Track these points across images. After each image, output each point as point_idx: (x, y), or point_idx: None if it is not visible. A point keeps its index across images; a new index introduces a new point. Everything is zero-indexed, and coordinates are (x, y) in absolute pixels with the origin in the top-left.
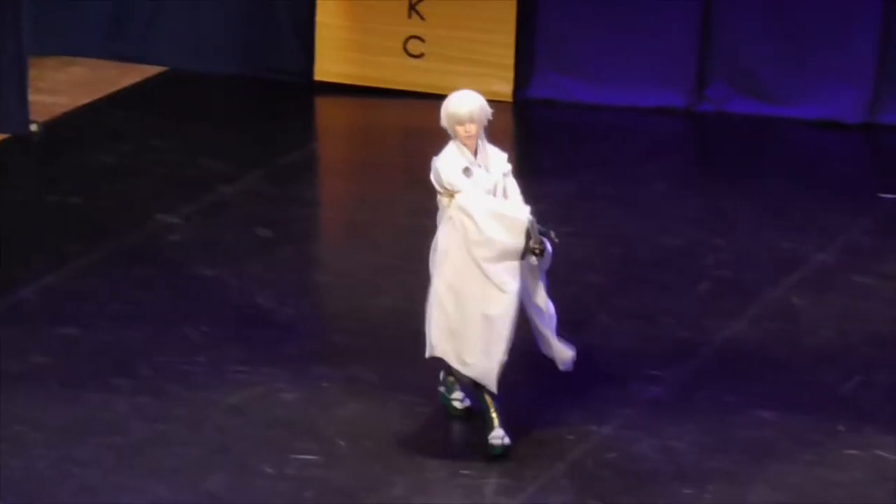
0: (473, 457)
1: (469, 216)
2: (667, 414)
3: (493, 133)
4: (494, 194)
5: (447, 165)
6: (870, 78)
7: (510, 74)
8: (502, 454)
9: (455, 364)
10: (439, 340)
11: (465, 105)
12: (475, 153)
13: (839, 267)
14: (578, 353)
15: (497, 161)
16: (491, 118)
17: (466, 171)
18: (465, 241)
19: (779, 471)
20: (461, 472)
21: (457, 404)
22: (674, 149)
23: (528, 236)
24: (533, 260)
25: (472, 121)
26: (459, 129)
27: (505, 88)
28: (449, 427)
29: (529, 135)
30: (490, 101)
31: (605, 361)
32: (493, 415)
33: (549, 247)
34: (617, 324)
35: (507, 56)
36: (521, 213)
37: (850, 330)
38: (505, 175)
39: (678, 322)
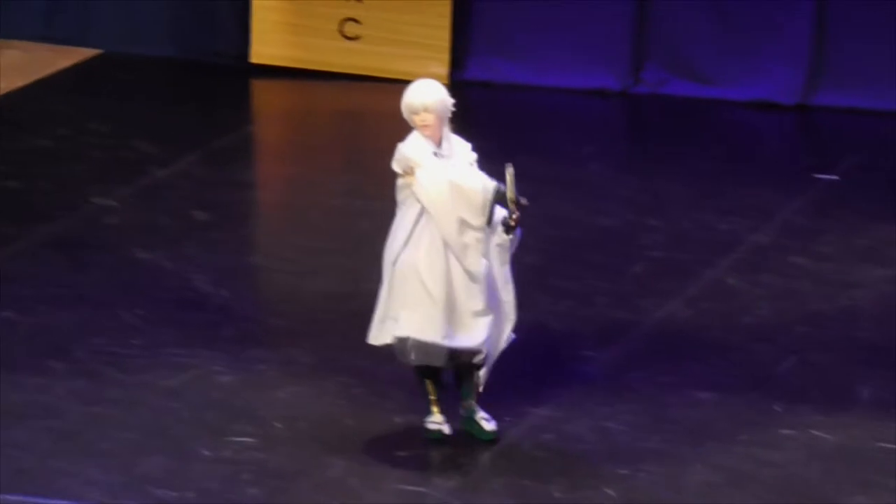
0: (410, 438)
1: (427, 190)
2: (602, 395)
3: None
4: None
5: (413, 145)
6: (804, 59)
7: (446, 56)
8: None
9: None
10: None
11: (419, 95)
12: (439, 144)
13: (774, 247)
14: (515, 333)
15: (461, 151)
16: (453, 108)
17: (432, 156)
18: (426, 216)
19: (714, 451)
20: (397, 453)
21: (484, 424)
22: (609, 130)
23: (492, 207)
24: (502, 234)
25: (426, 110)
26: (415, 118)
27: (440, 70)
28: (385, 408)
29: (465, 117)
30: None
31: (541, 342)
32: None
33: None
34: (552, 305)
35: (443, 38)
36: (482, 183)
37: (786, 310)
38: (471, 165)
39: (614, 302)
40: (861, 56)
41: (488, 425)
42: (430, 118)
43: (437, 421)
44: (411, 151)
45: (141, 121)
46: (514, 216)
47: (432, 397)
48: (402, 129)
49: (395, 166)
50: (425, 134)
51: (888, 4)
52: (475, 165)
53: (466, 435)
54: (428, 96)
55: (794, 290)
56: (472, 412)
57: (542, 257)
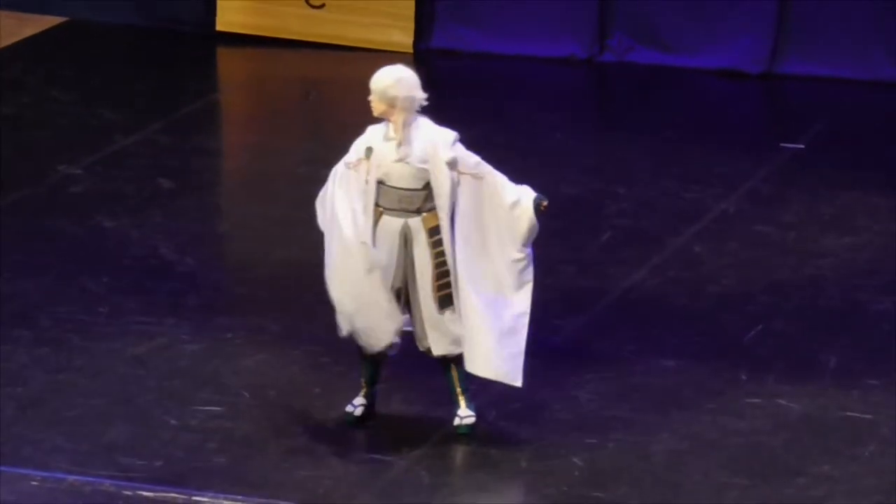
0: (378, 407)
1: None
2: (569, 364)
3: None
4: (423, 187)
5: (365, 135)
6: (770, 27)
7: (411, 25)
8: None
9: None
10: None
11: (373, 79)
12: (401, 137)
13: (740, 216)
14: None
15: (432, 146)
16: (406, 98)
17: (368, 150)
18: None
19: (681, 419)
20: (365, 422)
21: (456, 420)
22: (575, 99)
23: None
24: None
25: (373, 94)
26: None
27: (405, 39)
28: (352, 377)
29: (430, 85)
30: (390, 52)
31: None
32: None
33: None
34: None
35: (408, 7)
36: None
37: (752, 278)
38: (451, 164)
39: (579, 271)
40: (826, 24)
41: (460, 421)
42: (375, 103)
43: (354, 403)
44: (356, 143)
45: (106, 89)
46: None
47: (362, 378)
48: (366, 97)
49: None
50: (383, 119)
51: None
52: (456, 162)
53: (432, 402)
54: (377, 82)
55: (760, 258)
56: (455, 406)
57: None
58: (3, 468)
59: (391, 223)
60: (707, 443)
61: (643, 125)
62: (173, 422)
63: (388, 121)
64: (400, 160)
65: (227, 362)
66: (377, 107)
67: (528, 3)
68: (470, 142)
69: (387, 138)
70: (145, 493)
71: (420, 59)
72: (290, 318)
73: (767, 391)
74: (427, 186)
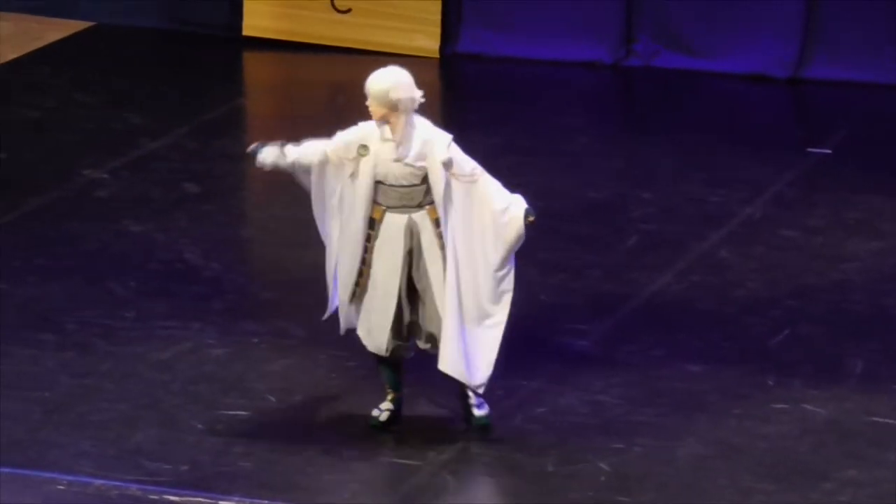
0: (404, 409)
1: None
2: (594, 368)
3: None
4: (421, 182)
5: (349, 129)
6: (797, 32)
7: (437, 30)
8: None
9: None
10: None
11: (369, 82)
12: (400, 138)
13: (766, 220)
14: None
15: (428, 146)
16: (404, 99)
17: (363, 149)
18: None
19: (706, 424)
20: (391, 426)
21: (474, 410)
22: (601, 103)
23: None
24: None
25: (369, 96)
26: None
27: (432, 44)
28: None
29: (456, 90)
30: (417, 57)
31: (533, 316)
32: None
33: None
34: (543, 278)
35: (434, 11)
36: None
37: (778, 283)
38: (446, 165)
39: (605, 276)
40: (853, 29)
41: (478, 411)
42: (377, 111)
43: (380, 407)
44: (343, 132)
45: (131, 93)
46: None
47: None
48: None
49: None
50: (378, 122)
51: None
52: (451, 163)
53: (458, 406)
54: (370, 84)
55: (786, 263)
56: (465, 396)
57: (532, 230)
58: (29, 472)
59: (396, 219)
60: (733, 448)
61: (669, 129)
62: (199, 426)
63: (386, 122)
64: (398, 160)
65: (253, 366)
66: (377, 111)
67: (555, 7)
68: (496, 146)
69: (384, 139)
70: (171, 498)
71: (446, 64)
72: (316, 322)
73: (793, 396)
74: (425, 180)
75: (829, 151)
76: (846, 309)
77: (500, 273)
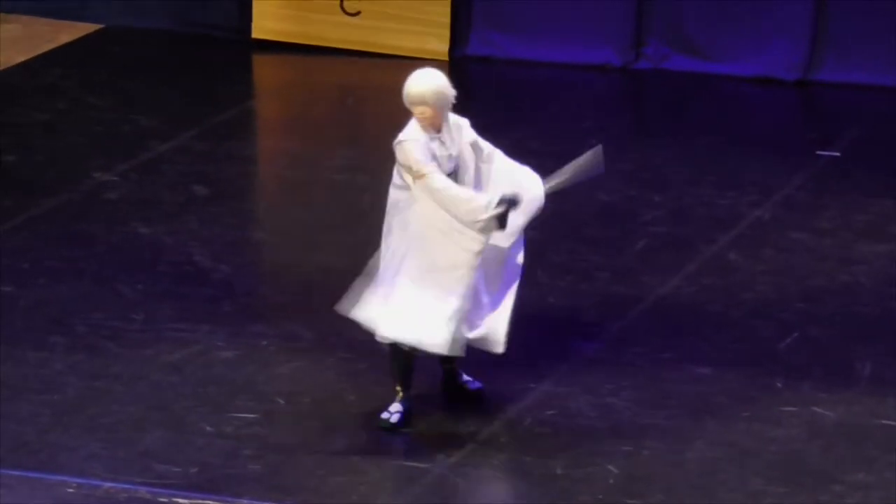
0: (412, 414)
1: (437, 200)
2: (604, 370)
3: None
4: (456, 168)
5: (413, 141)
6: (805, 35)
7: (446, 32)
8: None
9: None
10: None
11: (416, 86)
12: (438, 130)
13: (775, 223)
14: (516, 310)
15: (461, 133)
16: (453, 100)
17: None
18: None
19: (716, 427)
20: (401, 428)
21: (469, 386)
22: (611, 106)
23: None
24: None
25: (424, 103)
26: (414, 109)
27: (441, 46)
28: (387, 384)
29: (466, 92)
30: (426, 60)
31: (543, 318)
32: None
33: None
34: (552, 280)
35: (444, 14)
36: (480, 198)
37: (787, 285)
38: (473, 144)
39: (614, 278)
40: (861, 32)
41: (473, 385)
42: (427, 111)
43: (390, 409)
44: (415, 152)
45: (141, 95)
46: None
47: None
48: (402, 105)
49: (402, 163)
50: (423, 124)
51: None
52: (478, 142)
53: (467, 409)
54: (427, 90)
55: (795, 265)
56: (455, 376)
57: (543, 233)
58: (39, 475)
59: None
60: (742, 450)
61: (678, 132)
62: (208, 428)
63: (422, 124)
64: (446, 152)
65: (262, 369)
66: (427, 111)
67: (564, 10)
68: (505, 148)
69: (431, 136)
70: (181, 500)
71: (455, 66)
72: (325, 325)
73: (802, 399)
74: (454, 170)
75: (838, 154)
76: (855, 312)
77: (518, 240)
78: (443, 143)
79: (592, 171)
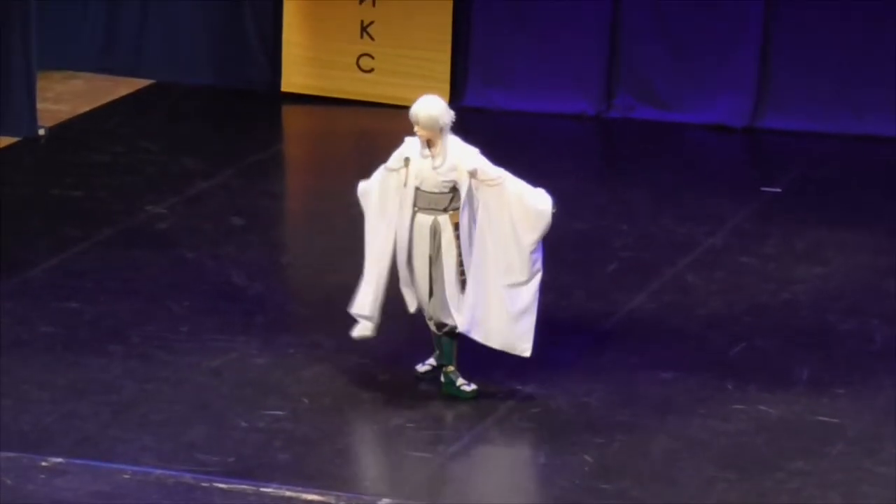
0: (417, 411)
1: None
2: (580, 374)
3: None
4: (450, 190)
5: (403, 146)
6: (751, 88)
7: (447, 87)
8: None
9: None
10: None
11: (416, 110)
12: (439, 152)
13: (726, 249)
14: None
15: (459, 159)
16: (448, 123)
17: (407, 161)
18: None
19: (675, 423)
20: (407, 424)
21: (464, 388)
22: (586, 149)
23: None
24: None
25: (417, 123)
26: (416, 129)
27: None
28: (397, 386)
29: (463, 138)
30: None
31: None
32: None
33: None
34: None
35: (444, 71)
36: None
37: (736, 302)
38: (472, 174)
39: (589, 296)
40: (800, 85)
41: (468, 387)
42: (423, 133)
43: (424, 362)
44: (397, 153)
45: (187, 140)
46: None
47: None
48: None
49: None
50: (421, 140)
51: (824, 41)
52: (480, 171)
53: (463, 407)
54: (421, 112)
55: (743, 285)
56: (453, 379)
57: None
58: (99, 463)
59: (424, 220)
60: (698, 443)
61: (644, 172)
62: (244, 424)
63: (423, 138)
64: (435, 170)
65: (290, 373)
66: (426, 134)
67: (546, 68)
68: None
69: (423, 153)
70: (220, 485)
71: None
72: (344, 335)
73: (750, 398)
74: (453, 190)
75: (779, 190)
76: (795, 324)
77: (534, 255)
78: (433, 159)
79: None
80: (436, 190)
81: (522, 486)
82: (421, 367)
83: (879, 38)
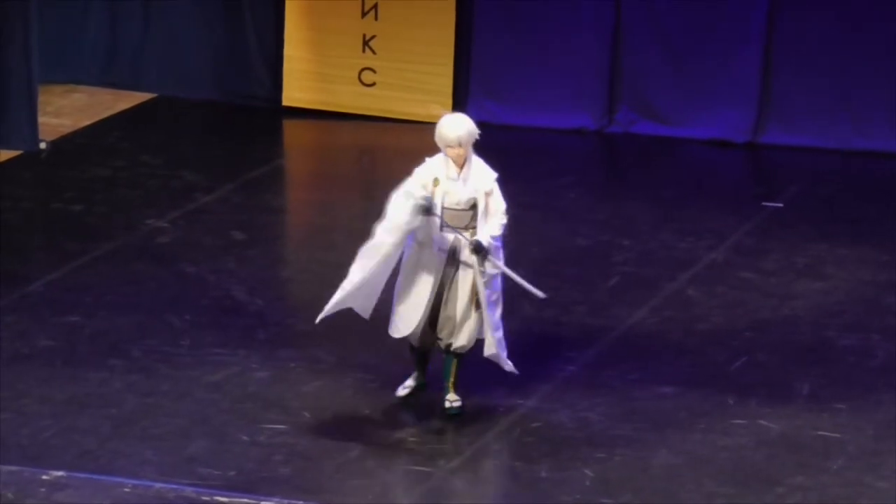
0: (419, 425)
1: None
2: (581, 389)
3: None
4: (470, 207)
5: (418, 172)
6: (753, 104)
7: (448, 101)
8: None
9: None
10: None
11: (454, 130)
12: (461, 167)
13: (727, 264)
14: (507, 338)
15: (480, 178)
16: (478, 137)
17: (436, 181)
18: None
19: (676, 437)
20: (409, 438)
21: (447, 405)
22: (587, 164)
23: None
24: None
25: (460, 145)
26: (449, 150)
27: (443, 113)
28: (397, 400)
29: None
30: (431, 124)
31: (528, 344)
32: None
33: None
34: (538, 313)
35: (446, 85)
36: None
37: (737, 317)
38: (487, 194)
39: (590, 311)
40: (801, 101)
41: (451, 405)
42: (462, 152)
43: (403, 385)
44: (409, 181)
45: (188, 154)
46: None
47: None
48: (412, 162)
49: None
50: (455, 161)
51: (826, 56)
52: (494, 194)
53: (465, 422)
54: (462, 131)
55: (744, 300)
56: (446, 393)
57: (528, 272)
58: (100, 477)
59: (445, 238)
60: (699, 457)
61: (645, 187)
62: (244, 438)
63: (453, 160)
64: (465, 183)
65: (291, 388)
66: (461, 152)
67: (547, 83)
68: None
69: (449, 170)
70: (221, 499)
71: None
72: (344, 350)
73: (750, 413)
74: (473, 207)
75: (781, 205)
76: (795, 340)
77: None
78: (459, 180)
79: (531, 293)
80: (461, 207)
81: (523, 500)
82: (401, 391)
83: (881, 53)
